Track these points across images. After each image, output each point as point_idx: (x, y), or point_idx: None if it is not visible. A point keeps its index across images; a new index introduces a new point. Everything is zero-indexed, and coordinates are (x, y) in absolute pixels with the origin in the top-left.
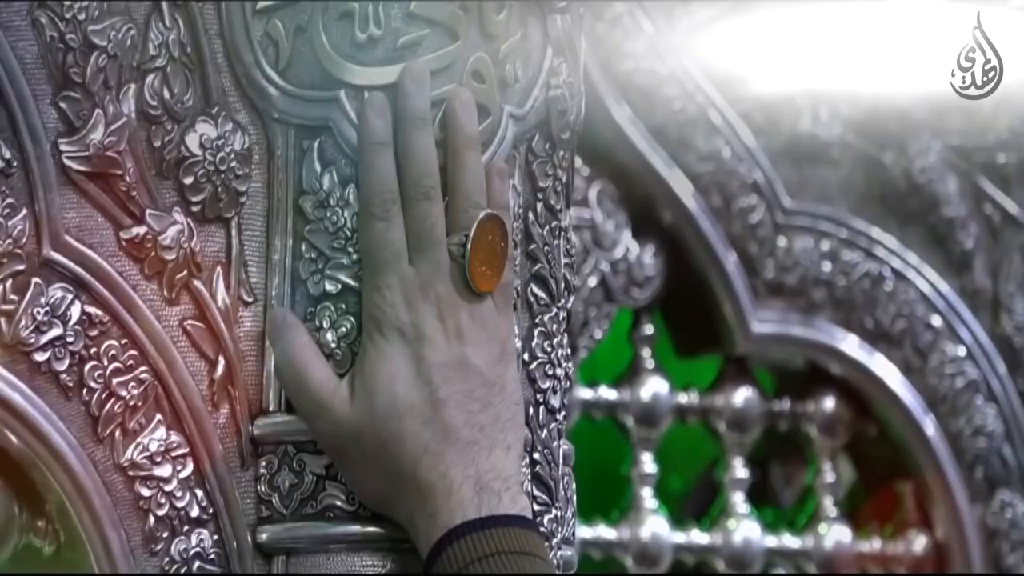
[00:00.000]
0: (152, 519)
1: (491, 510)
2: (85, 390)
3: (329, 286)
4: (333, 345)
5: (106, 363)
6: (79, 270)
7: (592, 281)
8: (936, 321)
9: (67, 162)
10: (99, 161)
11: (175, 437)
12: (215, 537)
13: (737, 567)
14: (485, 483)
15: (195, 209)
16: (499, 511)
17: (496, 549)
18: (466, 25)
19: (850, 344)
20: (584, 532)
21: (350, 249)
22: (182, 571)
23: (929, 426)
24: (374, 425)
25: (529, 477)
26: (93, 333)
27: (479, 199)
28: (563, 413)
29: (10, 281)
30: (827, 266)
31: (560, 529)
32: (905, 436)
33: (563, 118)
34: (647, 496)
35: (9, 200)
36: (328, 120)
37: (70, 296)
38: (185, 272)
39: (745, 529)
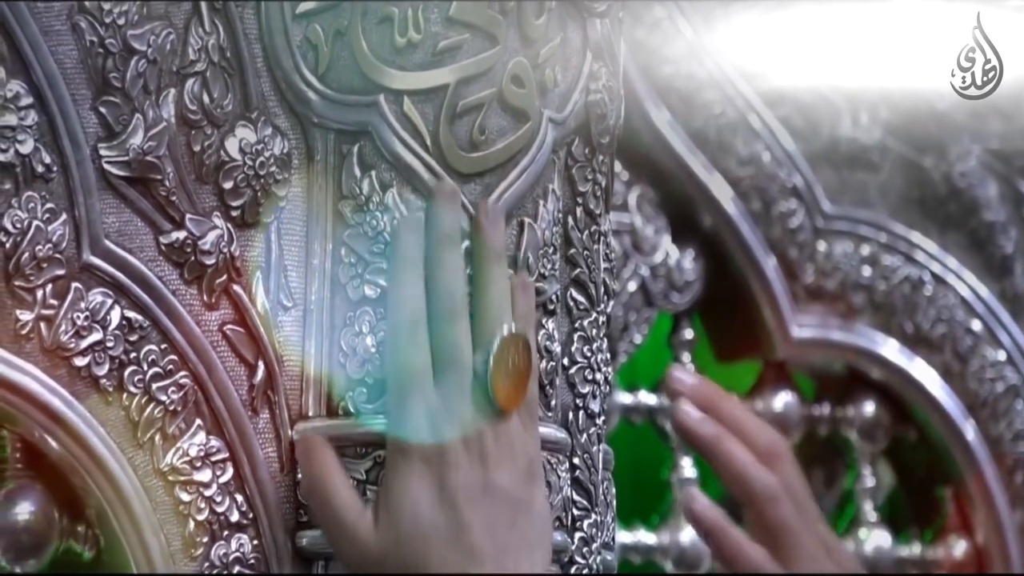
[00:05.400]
0: (192, 524)
1: None
2: (125, 395)
3: (369, 291)
4: (372, 350)
5: (146, 368)
6: (119, 275)
7: (632, 286)
8: (976, 326)
9: (107, 167)
10: (139, 166)
11: (215, 442)
12: (255, 542)
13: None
14: None
15: (235, 214)
16: None
17: None
18: (505, 29)
19: (890, 349)
20: (624, 537)
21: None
22: None
23: (969, 431)
24: (398, 549)
25: (568, 482)
26: (133, 338)
27: (502, 315)
28: (602, 417)
29: (50, 286)
30: (867, 271)
31: (600, 534)
32: (945, 441)
33: (602, 122)
34: None
35: (49, 205)
36: (368, 125)
37: (110, 301)
38: (225, 277)
39: None
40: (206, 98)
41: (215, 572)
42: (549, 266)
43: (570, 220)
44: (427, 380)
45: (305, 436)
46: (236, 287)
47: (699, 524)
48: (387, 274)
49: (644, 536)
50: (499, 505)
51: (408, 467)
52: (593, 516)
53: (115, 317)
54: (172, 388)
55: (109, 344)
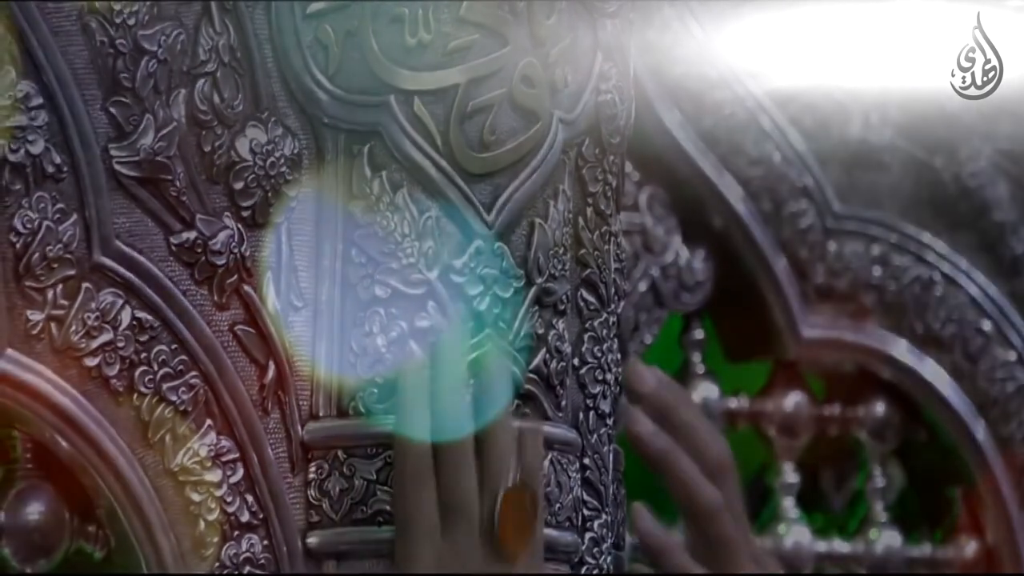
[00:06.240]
0: (202, 524)
1: None
2: (135, 395)
3: (379, 291)
4: (383, 350)
5: (156, 368)
6: (129, 275)
7: (642, 286)
8: (986, 326)
9: (117, 167)
10: (149, 166)
11: (225, 442)
12: (265, 542)
13: (787, 571)
14: None
15: (245, 214)
16: None
17: None
18: (515, 29)
19: (900, 349)
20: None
21: (400, 254)
22: None
23: (979, 431)
24: None
25: (579, 482)
26: (143, 338)
27: (507, 467)
28: (613, 418)
29: (60, 286)
30: (877, 271)
31: (610, 534)
32: (955, 441)
33: (613, 123)
34: None
35: (59, 205)
36: (378, 125)
37: (120, 301)
38: (235, 277)
39: (795, 534)
40: (216, 98)
41: (225, 572)
42: (559, 266)
43: (580, 220)
44: (435, 528)
45: None
46: (246, 287)
47: (648, 544)
48: (393, 421)
49: None
50: None
51: None
52: (603, 516)
53: (125, 317)
54: (182, 388)
55: (120, 344)
